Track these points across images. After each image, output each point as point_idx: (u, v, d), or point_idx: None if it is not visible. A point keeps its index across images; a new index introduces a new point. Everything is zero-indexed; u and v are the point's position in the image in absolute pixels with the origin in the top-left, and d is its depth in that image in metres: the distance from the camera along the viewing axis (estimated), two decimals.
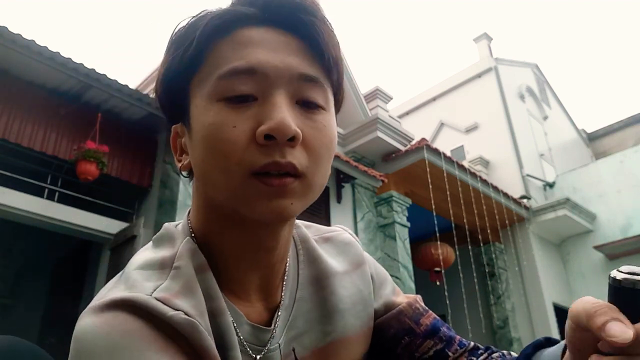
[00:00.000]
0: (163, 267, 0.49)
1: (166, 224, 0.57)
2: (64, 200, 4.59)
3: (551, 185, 9.58)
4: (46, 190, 4.51)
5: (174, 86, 0.51)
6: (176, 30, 0.52)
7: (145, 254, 0.52)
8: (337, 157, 5.46)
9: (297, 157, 0.46)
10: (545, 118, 11.20)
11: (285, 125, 0.45)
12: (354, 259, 0.65)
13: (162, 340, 0.41)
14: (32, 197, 4.30)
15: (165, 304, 0.43)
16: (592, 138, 13.83)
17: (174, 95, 0.52)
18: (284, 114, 0.45)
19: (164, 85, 0.53)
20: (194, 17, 0.51)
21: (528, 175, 9.02)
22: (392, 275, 6.03)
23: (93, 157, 4.19)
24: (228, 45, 0.48)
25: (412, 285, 6.13)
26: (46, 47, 4.06)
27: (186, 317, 0.43)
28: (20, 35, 3.93)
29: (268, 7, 0.49)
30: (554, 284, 8.32)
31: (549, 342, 0.49)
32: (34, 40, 4.00)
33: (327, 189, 5.94)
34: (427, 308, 0.67)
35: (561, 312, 8.21)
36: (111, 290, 0.46)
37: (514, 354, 0.57)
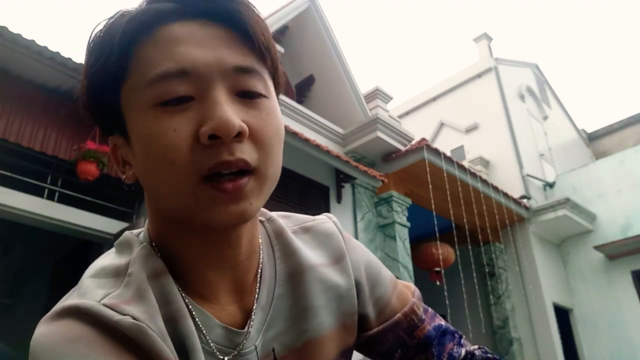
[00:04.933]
0: (117, 275, 0.48)
1: (126, 232, 0.56)
2: (64, 200, 4.59)
3: (551, 185, 9.58)
4: (46, 190, 4.51)
5: (103, 99, 0.48)
6: (92, 37, 0.48)
7: (102, 260, 0.51)
8: (337, 157, 5.46)
9: (246, 151, 0.44)
10: (545, 118, 11.20)
11: (229, 121, 0.42)
12: (334, 253, 0.61)
13: (111, 346, 0.40)
14: (32, 197, 4.30)
15: (113, 309, 0.42)
16: (592, 138, 13.83)
17: (105, 107, 0.48)
18: (224, 110, 0.43)
19: (91, 99, 0.49)
20: (108, 20, 0.48)
21: (528, 175, 9.02)
22: None
23: (93, 157, 4.19)
24: (151, 46, 0.45)
25: None
26: (46, 47, 4.06)
27: (134, 321, 0.41)
28: (20, 35, 3.93)
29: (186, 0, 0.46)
30: (554, 284, 8.32)
31: None
32: (34, 40, 4.00)
33: (327, 189, 5.94)
34: (423, 317, 0.63)
35: (561, 312, 8.21)
36: (65, 299, 0.45)
37: None
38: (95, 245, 5.21)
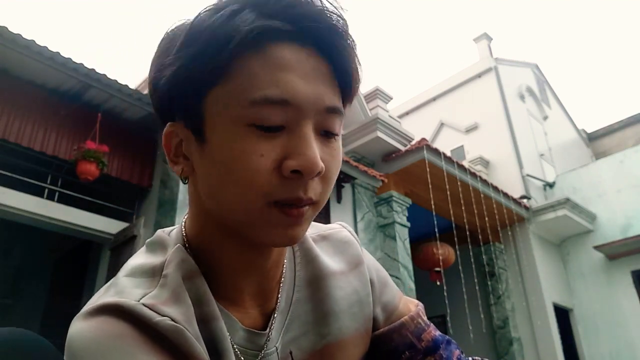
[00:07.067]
0: (153, 274, 0.49)
1: (159, 231, 0.57)
2: (64, 200, 4.59)
3: (551, 185, 9.58)
4: (46, 190, 4.51)
5: (188, 90, 0.47)
6: (194, 25, 0.46)
7: (137, 259, 0.52)
8: None
9: (314, 189, 0.47)
10: (545, 118, 11.20)
11: (317, 163, 0.44)
12: (352, 259, 0.64)
13: (152, 346, 0.41)
14: (32, 197, 4.30)
15: (152, 310, 0.43)
16: (592, 138, 13.83)
17: (186, 99, 0.47)
18: (314, 150, 0.45)
19: (173, 85, 0.47)
20: (215, 14, 0.45)
21: (528, 175, 9.02)
22: (391, 275, 6.02)
23: (93, 157, 4.19)
24: (260, 63, 0.44)
25: (412, 285, 6.13)
26: (46, 47, 4.06)
27: (173, 323, 0.43)
28: (20, 35, 3.93)
29: (300, 24, 0.45)
30: (554, 284, 8.32)
31: None
32: (34, 40, 4.00)
33: None
34: (428, 322, 0.66)
35: (561, 312, 8.21)
36: (101, 296, 0.46)
37: None
38: (95, 245, 5.21)
